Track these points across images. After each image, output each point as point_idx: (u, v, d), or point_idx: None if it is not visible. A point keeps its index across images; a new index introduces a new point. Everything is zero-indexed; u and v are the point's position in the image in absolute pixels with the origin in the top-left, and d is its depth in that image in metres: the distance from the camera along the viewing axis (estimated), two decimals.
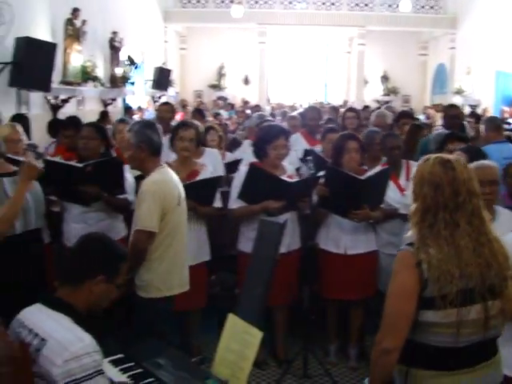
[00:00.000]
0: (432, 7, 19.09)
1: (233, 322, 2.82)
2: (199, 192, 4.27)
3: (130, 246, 3.55)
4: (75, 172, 4.12)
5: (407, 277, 2.27)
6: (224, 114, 14.01)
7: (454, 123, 6.30)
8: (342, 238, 4.57)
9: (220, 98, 20.10)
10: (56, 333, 2.26)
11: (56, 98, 9.20)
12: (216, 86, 21.35)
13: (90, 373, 2.20)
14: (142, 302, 3.63)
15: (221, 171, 5.37)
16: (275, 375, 4.63)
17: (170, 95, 17.11)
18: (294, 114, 7.69)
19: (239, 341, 2.75)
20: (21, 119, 6.28)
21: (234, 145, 7.51)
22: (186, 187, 3.91)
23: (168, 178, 3.66)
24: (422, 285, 2.25)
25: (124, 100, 13.44)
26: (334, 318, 4.86)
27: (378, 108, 10.61)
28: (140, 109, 13.55)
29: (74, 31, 9.82)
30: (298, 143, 6.12)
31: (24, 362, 2.08)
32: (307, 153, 5.49)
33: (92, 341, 2.28)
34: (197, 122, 5.21)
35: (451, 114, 6.55)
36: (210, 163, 5.03)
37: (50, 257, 4.18)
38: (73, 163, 4.28)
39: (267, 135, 4.50)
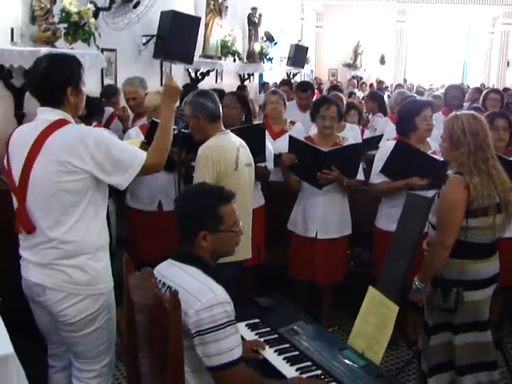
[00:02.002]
0: None
1: (372, 294, 2.77)
2: (343, 162, 4.21)
3: None
4: None
5: (459, 195, 3.08)
6: (358, 93, 13.80)
7: None
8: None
9: (354, 77, 19.78)
10: (188, 284, 2.31)
11: (197, 71, 9.42)
12: (351, 65, 21.04)
13: (221, 323, 2.23)
14: None
15: None
16: (404, 356, 4.54)
17: (305, 73, 17.07)
18: (437, 93, 7.43)
19: (377, 314, 2.71)
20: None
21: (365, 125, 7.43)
22: (329, 155, 3.87)
23: (225, 143, 3.63)
24: (469, 200, 3.06)
25: (260, 76, 13.55)
26: None
27: None
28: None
29: (216, 6, 9.98)
30: (440, 122, 5.88)
31: (175, 310, 2.12)
32: None
33: (224, 292, 2.30)
34: (340, 94, 5.15)
35: None
36: (353, 138, 4.96)
37: None
38: None
39: (414, 107, 4.36)
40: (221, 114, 3.76)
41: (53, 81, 2.69)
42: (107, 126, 5.37)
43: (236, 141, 3.76)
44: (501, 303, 4.54)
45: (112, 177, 2.71)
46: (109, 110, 5.65)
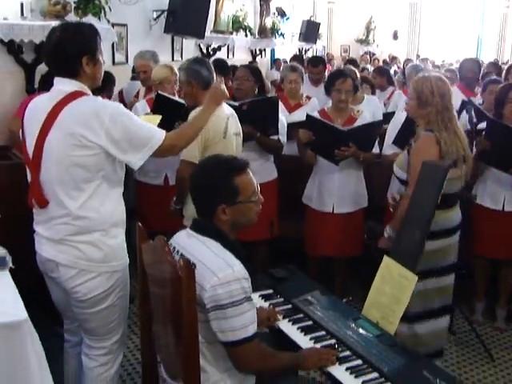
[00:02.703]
0: None
1: (387, 264, 2.75)
2: (361, 138, 4.20)
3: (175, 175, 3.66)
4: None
5: (431, 150, 3.31)
6: (371, 69, 13.64)
7: None
8: (500, 193, 4.33)
9: (367, 53, 19.59)
10: (205, 258, 2.28)
11: (208, 46, 9.36)
12: (363, 41, 20.82)
13: (237, 299, 2.21)
14: None
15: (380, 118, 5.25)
16: None
17: (317, 49, 16.92)
18: (452, 67, 7.33)
19: (393, 284, 2.69)
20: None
21: None
22: (348, 133, 3.85)
23: (215, 112, 3.52)
24: (441, 155, 3.30)
25: (272, 51, 13.45)
26: (483, 276, 4.66)
27: None
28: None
29: None
30: (455, 96, 5.80)
31: (188, 278, 2.11)
32: (464, 104, 5.20)
33: (241, 267, 2.27)
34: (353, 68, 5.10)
35: None
36: (369, 111, 4.93)
37: None
38: (230, 102, 4.31)
39: None
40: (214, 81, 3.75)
41: (66, 51, 2.61)
42: None
43: (226, 109, 3.74)
44: None
45: (126, 155, 2.64)
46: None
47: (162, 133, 2.74)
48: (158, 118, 3.50)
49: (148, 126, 2.74)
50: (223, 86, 3.25)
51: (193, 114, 3.39)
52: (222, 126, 3.64)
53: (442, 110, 3.36)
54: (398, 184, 3.64)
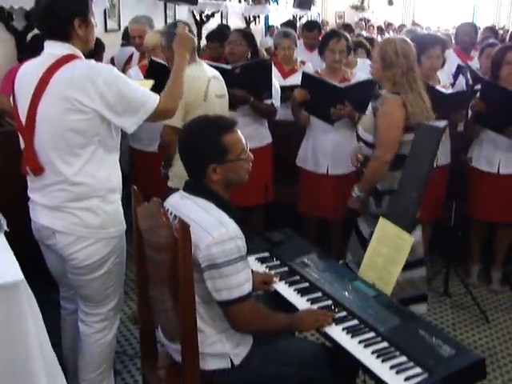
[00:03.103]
0: None
1: (383, 225, 2.75)
2: (356, 97, 4.15)
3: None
4: (224, 74, 4.10)
5: (398, 113, 3.33)
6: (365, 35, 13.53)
7: None
8: (496, 155, 4.32)
9: (362, 19, 19.41)
10: (199, 218, 2.27)
11: (201, 12, 9.25)
12: (358, 7, 20.64)
13: (231, 258, 2.21)
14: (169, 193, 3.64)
15: None
16: None
17: (311, 15, 16.75)
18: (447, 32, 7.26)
19: (389, 245, 2.69)
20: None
21: None
22: (345, 90, 3.82)
23: (196, 74, 3.54)
24: (407, 117, 3.32)
25: (266, 18, 13.31)
26: (478, 239, 4.69)
27: None
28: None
29: None
30: (450, 60, 5.76)
31: (184, 238, 2.11)
32: (460, 69, 5.16)
33: (236, 227, 2.27)
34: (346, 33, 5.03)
35: None
36: (363, 73, 4.89)
37: None
38: (222, 65, 4.28)
39: (422, 44, 4.24)
40: (196, 46, 3.70)
41: (57, 12, 2.55)
42: None
43: (209, 71, 3.69)
44: (510, 238, 4.56)
45: (121, 118, 2.60)
46: None
47: (157, 96, 2.70)
48: (150, 82, 3.46)
49: (142, 90, 2.69)
50: (187, 32, 3.19)
51: None
52: (203, 88, 3.59)
53: (406, 71, 3.36)
54: (364, 146, 3.59)
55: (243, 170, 2.43)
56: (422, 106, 3.38)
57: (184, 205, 2.38)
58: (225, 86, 3.82)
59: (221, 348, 2.34)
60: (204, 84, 3.61)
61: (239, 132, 2.42)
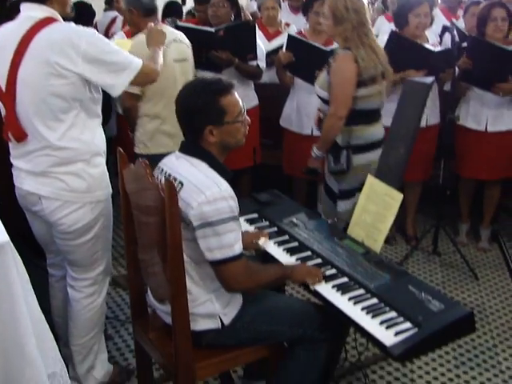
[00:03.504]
0: None
1: (371, 183, 2.73)
2: None
3: None
4: (207, 37, 4.05)
5: (350, 68, 3.31)
6: None
7: None
8: (483, 113, 4.32)
9: None
10: (193, 177, 2.26)
11: None
12: None
13: (223, 217, 2.20)
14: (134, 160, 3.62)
15: None
16: (403, 251, 4.59)
17: None
18: None
19: (378, 202, 2.68)
20: (174, 5, 6.22)
21: None
22: (330, 54, 3.79)
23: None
24: (359, 72, 3.30)
25: None
26: (467, 197, 4.71)
27: None
28: None
29: None
30: (437, 19, 5.71)
31: (170, 197, 2.09)
32: (446, 28, 5.12)
33: (228, 187, 2.26)
34: None
35: None
36: None
37: None
38: (205, 28, 4.21)
39: (409, 2, 4.23)
40: (156, 8, 3.67)
41: None
42: None
43: (170, 35, 3.55)
44: (498, 196, 4.58)
45: (106, 80, 2.56)
46: None
47: (140, 60, 2.68)
48: (128, 42, 3.42)
49: (126, 53, 2.68)
50: (158, 27, 3.25)
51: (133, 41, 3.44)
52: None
53: (357, 26, 3.33)
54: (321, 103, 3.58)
55: (240, 132, 2.40)
56: (375, 61, 3.35)
57: (178, 164, 2.36)
58: (188, 49, 3.77)
59: (211, 308, 2.34)
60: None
61: (236, 94, 2.39)
